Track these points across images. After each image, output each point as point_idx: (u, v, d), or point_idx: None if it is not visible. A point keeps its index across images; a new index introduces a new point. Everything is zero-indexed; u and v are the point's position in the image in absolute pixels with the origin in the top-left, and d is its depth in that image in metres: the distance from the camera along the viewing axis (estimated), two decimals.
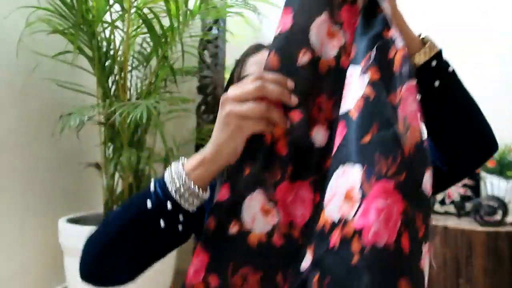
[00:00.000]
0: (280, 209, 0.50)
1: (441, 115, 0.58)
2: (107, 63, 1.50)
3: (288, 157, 0.49)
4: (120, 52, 1.50)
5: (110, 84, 1.51)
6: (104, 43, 1.50)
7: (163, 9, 1.48)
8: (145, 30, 1.46)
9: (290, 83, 0.49)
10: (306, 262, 0.46)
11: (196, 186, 0.51)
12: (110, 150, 1.49)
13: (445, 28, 1.80)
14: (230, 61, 1.80)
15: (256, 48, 0.76)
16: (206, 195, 0.53)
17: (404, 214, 0.40)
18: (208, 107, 1.79)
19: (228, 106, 0.49)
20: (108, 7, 1.41)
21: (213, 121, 1.76)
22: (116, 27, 1.47)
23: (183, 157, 0.57)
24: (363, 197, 0.40)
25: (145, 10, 1.42)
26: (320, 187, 0.49)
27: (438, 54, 0.60)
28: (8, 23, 1.28)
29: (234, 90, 0.49)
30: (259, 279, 0.50)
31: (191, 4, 1.50)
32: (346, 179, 0.42)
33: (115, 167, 1.40)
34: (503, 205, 1.40)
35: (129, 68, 1.54)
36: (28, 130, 1.42)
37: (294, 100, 0.49)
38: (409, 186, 0.41)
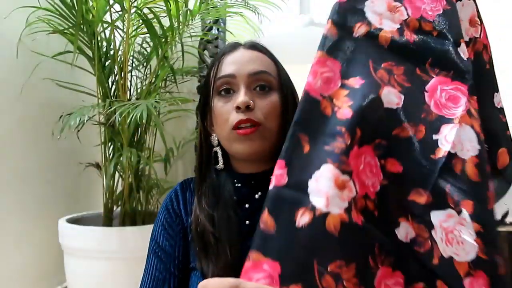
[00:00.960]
0: (356, 179, 0.44)
1: None
2: (107, 63, 1.50)
3: (355, 119, 0.46)
4: (120, 52, 1.50)
5: (110, 84, 1.51)
6: (104, 43, 1.50)
7: (163, 9, 1.48)
8: (145, 30, 1.46)
9: None
10: (403, 231, 0.45)
11: None
12: (110, 150, 1.49)
13: None
14: None
15: (233, 47, 0.76)
16: None
17: None
18: None
19: None
20: (108, 7, 1.41)
21: None
22: (116, 27, 1.47)
23: None
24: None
25: (145, 10, 1.42)
26: (385, 150, 0.47)
27: None
28: (8, 23, 1.28)
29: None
30: (354, 273, 0.41)
31: (191, 4, 1.50)
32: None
33: (115, 167, 1.40)
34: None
35: (129, 68, 1.54)
36: (28, 130, 1.42)
37: None
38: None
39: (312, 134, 0.46)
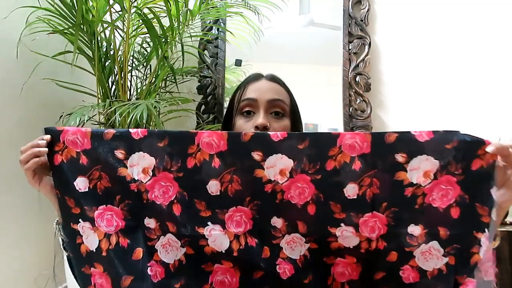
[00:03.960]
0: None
1: None
2: (107, 63, 1.50)
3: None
4: (120, 52, 1.50)
5: (110, 84, 1.51)
6: (104, 43, 1.50)
7: (163, 9, 1.48)
8: (145, 30, 1.46)
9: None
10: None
11: None
12: None
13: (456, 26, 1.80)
14: (230, 61, 1.80)
15: (256, 77, 0.94)
16: None
17: (460, 197, 0.64)
18: (208, 107, 1.79)
19: None
20: (108, 7, 1.41)
21: (213, 121, 1.77)
22: (116, 27, 1.47)
23: None
24: (434, 178, 0.65)
25: (145, 10, 1.42)
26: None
27: None
28: (8, 23, 1.28)
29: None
30: None
31: (191, 4, 1.51)
32: (428, 164, 0.65)
33: None
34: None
35: (129, 68, 1.54)
36: (28, 130, 1.42)
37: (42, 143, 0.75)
38: (470, 185, 0.64)
39: None
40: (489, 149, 0.63)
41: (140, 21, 1.46)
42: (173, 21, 1.43)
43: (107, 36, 1.51)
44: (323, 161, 0.67)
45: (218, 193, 0.69)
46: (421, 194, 0.66)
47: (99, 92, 1.47)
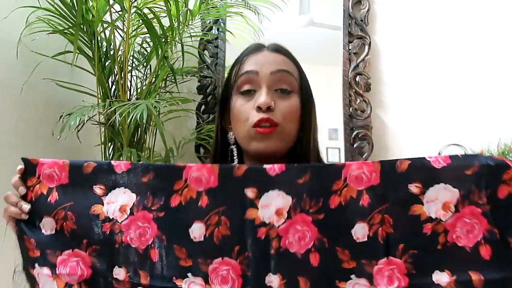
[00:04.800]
0: None
1: None
2: (107, 63, 1.50)
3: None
4: (120, 52, 1.50)
5: (110, 84, 1.51)
6: (104, 43, 1.50)
7: (163, 9, 1.48)
8: (145, 30, 1.46)
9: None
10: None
11: None
12: (110, 150, 1.49)
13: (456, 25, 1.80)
14: (230, 61, 1.80)
15: (257, 48, 0.78)
16: None
17: (488, 232, 0.55)
18: (208, 107, 1.79)
19: None
20: (108, 7, 1.41)
21: (213, 121, 1.76)
22: (116, 27, 1.47)
23: None
24: (456, 211, 0.56)
25: (145, 10, 1.42)
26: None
27: None
28: (8, 23, 1.28)
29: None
30: None
31: (191, 4, 1.51)
32: (446, 194, 0.56)
33: None
34: None
35: (129, 68, 1.54)
36: (28, 130, 1.42)
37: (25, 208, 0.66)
38: (497, 216, 0.55)
39: None
40: None
41: (140, 21, 1.46)
42: (173, 21, 1.43)
43: (107, 36, 1.51)
44: (326, 197, 0.58)
45: (202, 239, 0.59)
46: (443, 231, 0.56)
47: (99, 92, 1.47)
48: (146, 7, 1.42)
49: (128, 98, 1.48)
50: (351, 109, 1.74)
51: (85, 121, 1.30)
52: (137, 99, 1.53)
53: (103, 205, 0.63)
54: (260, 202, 0.59)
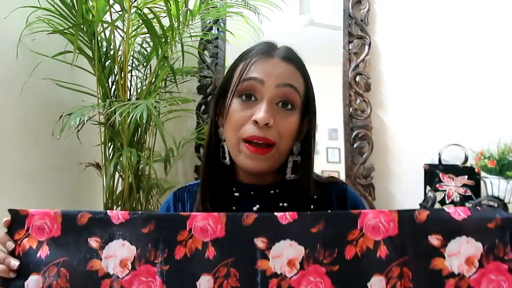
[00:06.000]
0: None
1: None
2: (107, 63, 1.50)
3: None
4: (120, 52, 1.50)
5: (110, 84, 1.51)
6: (104, 43, 1.50)
7: (163, 9, 1.48)
8: (145, 30, 1.46)
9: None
10: None
11: None
12: (110, 150, 1.49)
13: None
14: (230, 61, 1.79)
15: (268, 53, 0.72)
16: None
17: None
18: (208, 107, 1.79)
19: None
20: (108, 7, 1.41)
21: None
22: (116, 27, 1.47)
23: None
24: (480, 266, 0.53)
25: (145, 10, 1.42)
26: None
27: None
28: (8, 23, 1.28)
29: None
30: None
31: (191, 4, 1.51)
32: (469, 248, 0.53)
33: (115, 167, 1.40)
34: (503, 205, 1.40)
35: (129, 68, 1.54)
36: (28, 130, 1.42)
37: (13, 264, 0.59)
38: None
39: None
40: None
41: (140, 21, 1.46)
42: (173, 21, 1.43)
43: (107, 36, 1.51)
44: (341, 247, 0.55)
45: None
46: None
47: (99, 92, 1.47)
48: (146, 7, 1.42)
49: (128, 98, 1.48)
50: (351, 109, 1.74)
51: (85, 121, 1.30)
52: (137, 99, 1.53)
53: (101, 260, 0.58)
54: (271, 252, 0.56)
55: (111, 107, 1.27)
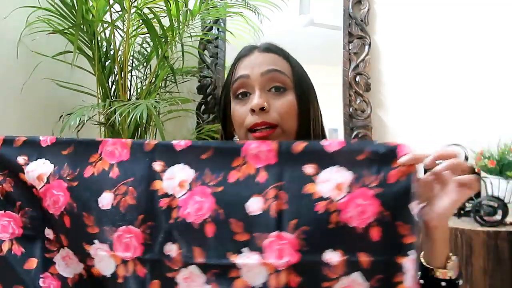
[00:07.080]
0: None
1: None
2: (107, 63, 1.50)
3: None
4: (120, 52, 1.50)
5: (110, 84, 1.51)
6: (104, 43, 1.50)
7: (163, 9, 1.48)
8: (145, 30, 1.46)
9: None
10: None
11: None
12: None
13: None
14: (230, 61, 1.79)
15: (248, 50, 0.78)
16: None
17: (380, 215, 0.55)
18: (208, 107, 1.79)
19: None
20: (108, 7, 1.42)
21: (213, 121, 1.77)
22: (116, 27, 1.47)
23: None
24: (348, 192, 0.57)
25: (145, 10, 1.42)
26: None
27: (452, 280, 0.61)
28: (8, 23, 1.28)
29: None
30: None
31: (191, 4, 1.51)
32: (339, 175, 0.57)
33: None
34: (503, 205, 1.40)
35: (129, 68, 1.54)
36: (28, 130, 1.42)
37: None
38: (388, 200, 0.56)
39: None
40: (401, 160, 0.55)
41: (140, 21, 1.46)
42: (173, 21, 1.43)
43: (107, 36, 1.51)
44: (226, 172, 0.61)
45: (109, 207, 0.62)
46: (335, 211, 0.56)
47: (99, 92, 1.47)
48: (146, 7, 1.42)
49: (128, 98, 1.48)
50: (351, 109, 1.74)
51: (85, 121, 1.30)
52: (137, 99, 1.53)
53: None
54: (165, 174, 0.62)
55: (111, 107, 1.27)
